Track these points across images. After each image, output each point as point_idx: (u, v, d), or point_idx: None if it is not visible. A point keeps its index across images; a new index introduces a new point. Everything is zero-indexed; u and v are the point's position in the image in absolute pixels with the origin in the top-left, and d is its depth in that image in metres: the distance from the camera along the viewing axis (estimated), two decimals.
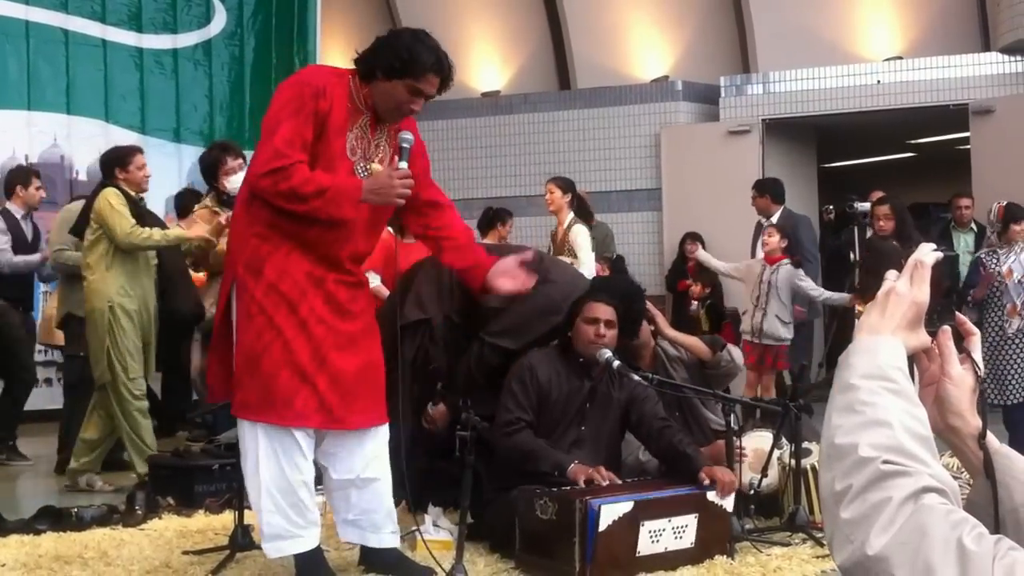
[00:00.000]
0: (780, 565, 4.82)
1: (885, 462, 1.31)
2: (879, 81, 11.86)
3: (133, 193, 6.98)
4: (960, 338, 1.57)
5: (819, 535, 5.24)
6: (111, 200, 6.77)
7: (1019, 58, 11.45)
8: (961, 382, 1.54)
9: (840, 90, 11.98)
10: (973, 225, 10.23)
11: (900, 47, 12.34)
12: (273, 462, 4.36)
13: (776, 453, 5.56)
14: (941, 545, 1.23)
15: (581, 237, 8.61)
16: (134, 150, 7.28)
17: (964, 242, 10.16)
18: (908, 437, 1.34)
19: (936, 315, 1.52)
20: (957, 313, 1.57)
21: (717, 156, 11.99)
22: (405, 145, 4.37)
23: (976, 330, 1.59)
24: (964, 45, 12.05)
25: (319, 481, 4.66)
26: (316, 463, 4.57)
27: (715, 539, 4.86)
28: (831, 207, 12.45)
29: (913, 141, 15.07)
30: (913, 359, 1.50)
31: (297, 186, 4.19)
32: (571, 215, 8.76)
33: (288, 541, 4.40)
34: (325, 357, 4.37)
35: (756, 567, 4.78)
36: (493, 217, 10.04)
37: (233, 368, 4.42)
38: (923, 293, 1.49)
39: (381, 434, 4.61)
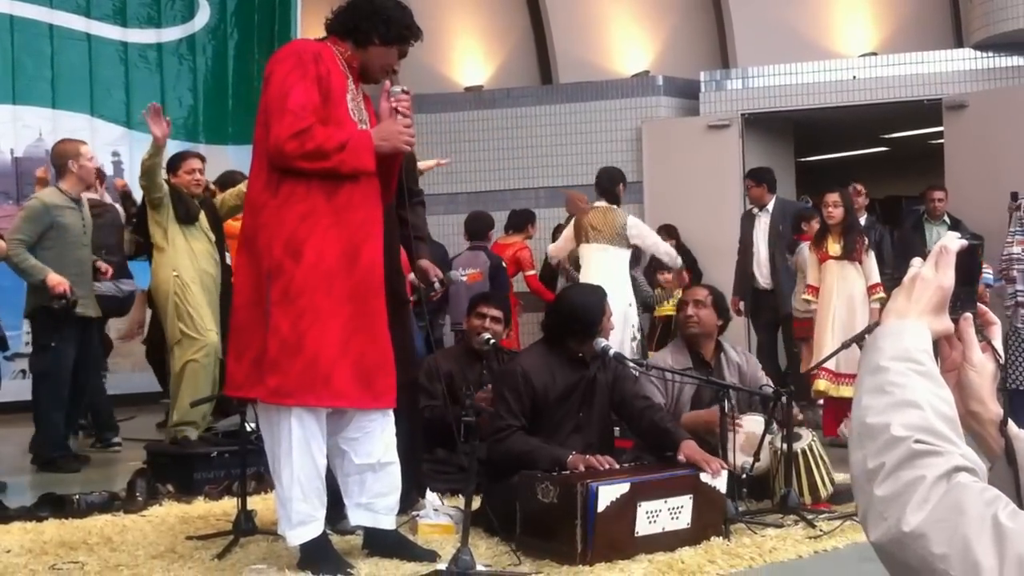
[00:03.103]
0: (775, 546, 4.93)
1: (917, 441, 1.34)
2: (855, 77, 12.01)
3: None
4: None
5: (811, 517, 5.38)
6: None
7: (991, 54, 11.62)
8: (982, 369, 1.56)
9: (817, 85, 12.12)
10: (946, 217, 10.39)
11: (875, 43, 12.49)
12: (305, 450, 4.42)
13: (768, 437, 5.67)
14: (977, 522, 1.26)
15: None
16: (185, 155, 7.55)
17: (936, 234, 10.27)
18: (937, 418, 1.37)
19: (959, 302, 1.54)
20: (979, 303, 1.59)
21: (697, 150, 12.10)
22: (396, 89, 4.58)
23: (996, 319, 1.62)
24: (938, 41, 12.21)
25: None
26: (335, 448, 4.66)
27: (711, 521, 4.97)
28: (808, 197, 12.66)
29: (887, 135, 15.23)
30: (935, 346, 1.51)
31: (321, 143, 4.32)
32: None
33: (310, 527, 4.48)
34: (358, 335, 4.45)
35: (752, 548, 4.87)
36: (523, 218, 10.39)
37: (265, 355, 4.38)
38: (948, 278, 1.52)
39: (392, 420, 4.71)
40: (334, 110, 4.45)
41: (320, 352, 4.37)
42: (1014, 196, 8.45)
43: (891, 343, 1.46)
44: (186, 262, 7.17)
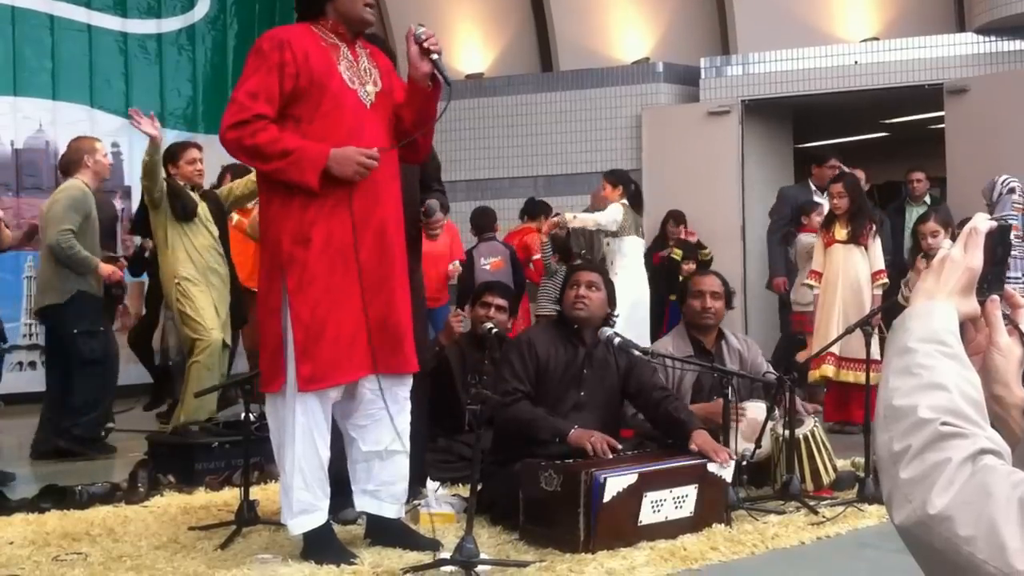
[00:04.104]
0: (777, 532, 4.93)
1: (943, 424, 1.33)
2: (857, 62, 11.97)
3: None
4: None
5: (812, 503, 5.38)
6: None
7: (993, 38, 11.59)
8: (1009, 352, 1.54)
9: (818, 71, 12.09)
10: (927, 198, 10.42)
11: (877, 28, 12.45)
12: (308, 438, 4.43)
13: (770, 424, 5.67)
14: (1004, 504, 1.25)
15: (608, 210, 8.92)
16: (186, 145, 7.53)
17: (916, 214, 10.32)
18: (964, 401, 1.36)
19: (986, 284, 1.53)
20: (1006, 286, 1.58)
21: (697, 137, 12.09)
22: (434, 56, 4.45)
23: None
24: (940, 26, 12.18)
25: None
26: (346, 435, 4.68)
27: (712, 508, 4.97)
28: None
29: (888, 121, 15.20)
30: (961, 328, 1.50)
31: (263, 144, 4.32)
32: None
33: (311, 516, 4.49)
34: (378, 299, 4.46)
35: (754, 534, 4.87)
36: (540, 208, 10.68)
37: (293, 345, 4.39)
38: (976, 259, 1.51)
39: (408, 409, 4.71)
40: (325, 87, 4.42)
41: (342, 329, 4.40)
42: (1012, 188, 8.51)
43: (919, 324, 1.46)
44: (187, 263, 7.16)
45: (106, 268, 7.41)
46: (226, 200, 7.66)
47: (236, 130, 4.35)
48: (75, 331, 7.47)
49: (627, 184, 9.23)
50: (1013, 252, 7.84)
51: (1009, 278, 6.35)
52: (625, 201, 9.09)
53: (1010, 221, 7.91)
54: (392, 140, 4.61)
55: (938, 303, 1.49)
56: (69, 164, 7.67)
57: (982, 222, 1.54)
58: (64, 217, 7.30)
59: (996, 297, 1.55)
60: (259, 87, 4.36)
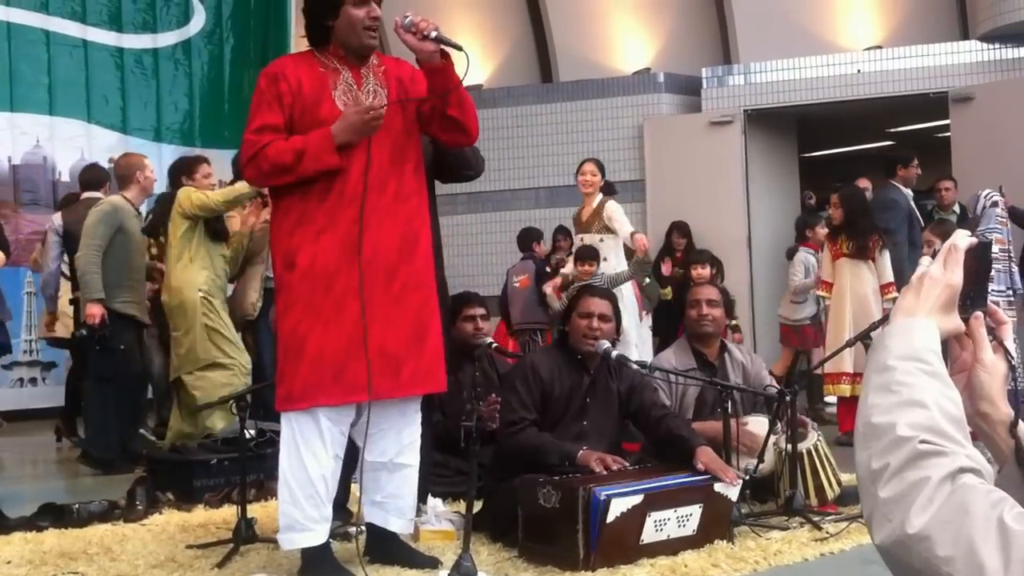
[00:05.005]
0: (780, 549, 4.86)
1: (923, 442, 1.32)
2: (859, 71, 11.95)
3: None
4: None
5: (816, 519, 5.31)
6: (192, 192, 7.24)
7: (998, 45, 11.57)
8: (994, 369, 1.54)
9: (821, 80, 12.07)
10: (956, 207, 10.35)
11: (880, 36, 12.44)
12: (294, 454, 4.39)
13: (772, 438, 5.61)
14: (983, 523, 1.24)
15: (618, 211, 8.71)
16: (200, 160, 7.58)
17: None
18: (944, 418, 1.35)
19: (969, 301, 1.52)
20: (989, 302, 1.57)
21: (699, 147, 12.07)
22: (432, 34, 4.29)
23: (1007, 319, 1.60)
24: (943, 33, 12.17)
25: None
26: (353, 441, 4.64)
27: (715, 524, 4.89)
28: (811, 193, 12.64)
29: (892, 129, 15.17)
30: (945, 345, 1.49)
31: (275, 159, 4.35)
32: (600, 195, 8.83)
33: (300, 534, 4.44)
34: (375, 324, 4.37)
35: (757, 551, 4.80)
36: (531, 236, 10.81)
37: (275, 365, 4.47)
38: (956, 276, 1.50)
39: (417, 422, 4.67)
40: (316, 114, 4.42)
41: (325, 351, 4.35)
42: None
43: (899, 342, 1.44)
44: (208, 280, 7.19)
45: (94, 308, 7.29)
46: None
47: (251, 165, 4.45)
48: (96, 346, 7.47)
49: (603, 175, 9.13)
50: (997, 265, 7.81)
51: (993, 291, 6.30)
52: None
53: (994, 235, 7.92)
54: (400, 156, 4.55)
55: (918, 320, 1.48)
56: (119, 180, 7.78)
57: (961, 239, 1.53)
58: (93, 232, 7.40)
59: (980, 314, 1.55)
60: (263, 122, 4.43)
